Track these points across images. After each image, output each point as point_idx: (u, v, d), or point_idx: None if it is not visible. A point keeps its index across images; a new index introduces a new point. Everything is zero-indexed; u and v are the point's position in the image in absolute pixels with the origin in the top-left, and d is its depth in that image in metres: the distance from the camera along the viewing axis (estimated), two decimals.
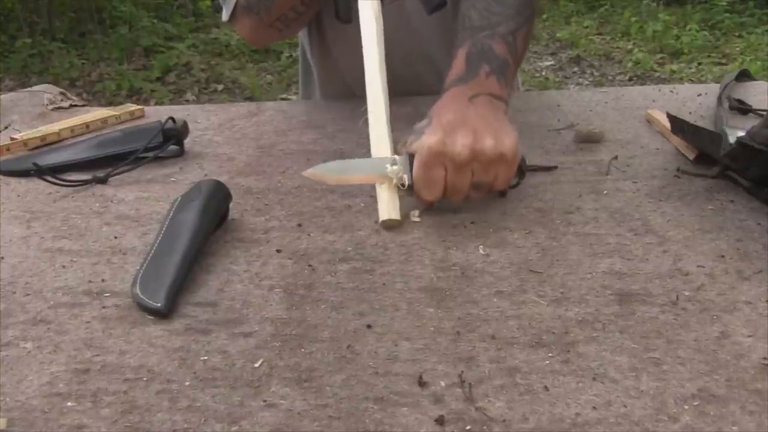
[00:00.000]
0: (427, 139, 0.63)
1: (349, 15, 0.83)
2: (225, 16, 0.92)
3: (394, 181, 0.65)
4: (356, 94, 1.04)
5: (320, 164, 0.70)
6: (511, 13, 0.73)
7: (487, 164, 0.62)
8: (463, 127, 0.63)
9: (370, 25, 0.75)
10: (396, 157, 0.67)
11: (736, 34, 5.11)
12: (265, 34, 0.92)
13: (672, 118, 0.79)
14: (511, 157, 0.63)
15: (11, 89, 2.97)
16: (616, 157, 0.79)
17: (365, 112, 0.72)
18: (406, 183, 0.65)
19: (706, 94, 1.02)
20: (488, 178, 0.64)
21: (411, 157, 0.65)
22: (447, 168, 0.63)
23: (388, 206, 0.65)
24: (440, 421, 0.41)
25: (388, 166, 0.66)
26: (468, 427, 0.41)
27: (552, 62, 4.84)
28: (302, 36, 1.10)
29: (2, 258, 0.62)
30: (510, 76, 0.72)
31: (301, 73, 1.18)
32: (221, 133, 0.93)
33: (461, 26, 0.74)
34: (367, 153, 0.79)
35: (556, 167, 0.76)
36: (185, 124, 0.86)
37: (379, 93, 0.72)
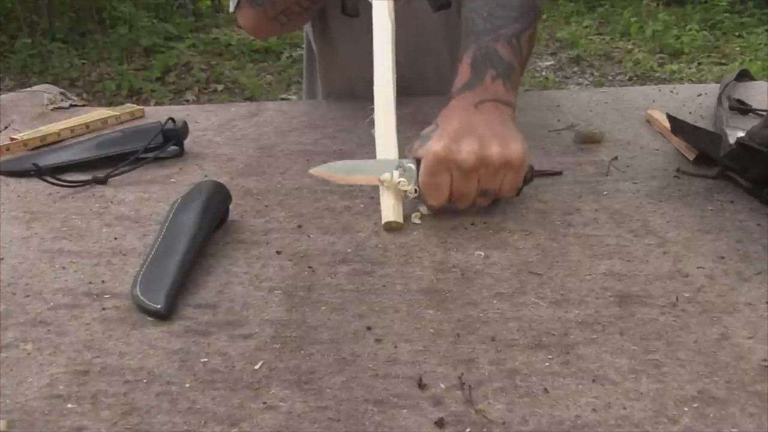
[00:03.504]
0: (433, 145, 0.63)
1: (356, 9, 0.83)
2: (231, 6, 0.92)
3: (400, 186, 0.65)
4: (358, 90, 1.04)
5: (327, 163, 0.70)
6: (514, 16, 0.73)
7: (493, 171, 0.62)
8: (470, 133, 0.63)
9: (384, 24, 0.75)
10: (402, 161, 0.67)
11: (736, 34, 5.11)
12: (267, 26, 0.92)
13: (672, 119, 0.79)
14: (518, 164, 0.63)
15: (11, 89, 2.97)
16: (616, 158, 0.79)
17: (371, 111, 0.72)
18: (412, 189, 0.65)
19: (706, 94, 1.02)
20: (495, 185, 0.64)
21: (417, 162, 0.65)
22: (453, 174, 0.63)
23: (391, 208, 0.65)
24: (440, 423, 0.41)
25: (395, 171, 0.66)
26: (468, 430, 0.41)
27: (552, 62, 4.84)
28: (308, 29, 1.10)
29: (2, 259, 0.62)
30: (516, 80, 0.71)
31: (306, 68, 1.18)
32: (221, 133, 0.93)
33: (465, 31, 0.74)
34: (368, 153, 0.79)
35: (561, 172, 0.75)
36: (185, 125, 0.86)
37: (389, 95, 0.71)
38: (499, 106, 0.67)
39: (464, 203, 0.65)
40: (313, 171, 0.69)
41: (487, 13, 0.73)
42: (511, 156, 0.62)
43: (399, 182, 0.65)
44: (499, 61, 0.70)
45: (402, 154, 0.69)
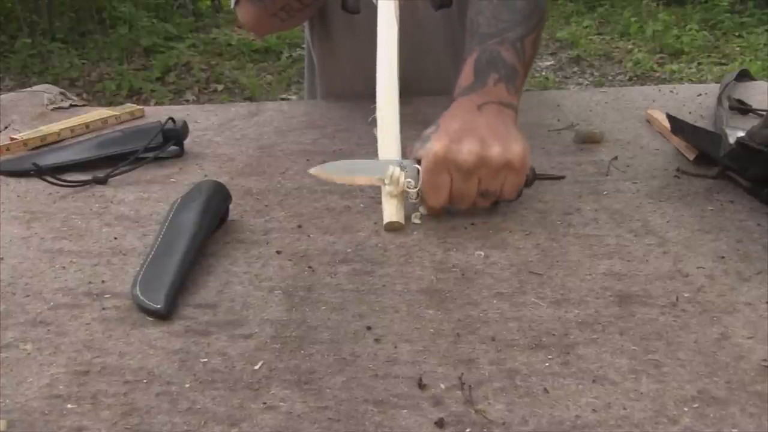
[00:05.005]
0: (433, 145, 0.63)
1: (357, 6, 0.83)
2: (231, 2, 0.93)
3: (400, 186, 0.65)
4: (358, 88, 1.04)
5: (327, 163, 0.69)
6: (519, 19, 0.72)
7: (494, 171, 0.62)
8: (470, 134, 0.62)
9: (389, 25, 0.74)
10: (403, 161, 0.66)
11: (736, 34, 5.12)
12: (267, 23, 0.92)
13: (672, 118, 0.79)
14: (519, 165, 0.62)
15: (11, 89, 2.97)
16: (616, 158, 0.79)
17: (374, 110, 0.72)
18: (412, 189, 0.65)
19: (706, 94, 1.02)
20: (495, 186, 0.63)
21: (418, 162, 0.64)
22: (453, 174, 0.62)
23: (394, 209, 0.65)
24: (440, 423, 0.41)
25: (396, 169, 0.65)
26: (468, 430, 0.41)
27: (552, 62, 4.84)
28: (306, 31, 1.10)
29: (2, 259, 0.62)
30: (519, 83, 0.71)
31: (307, 68, 1.18)
32: (221, 133, 0.93)
33: (469, 32, 0.73)
34: (368, 152, 0.79)
35: (563, 177, 0.75)
36: (185, 125, 0.86)
37: (392, 95, 0.71)
38: (501, 109, 0.67)
39: (464, 204, 0.65)
40: (312, 171, 0.69)
41: (491, 15, 0.72)
42: (512, 157, 0.62)
43: (405, 183, 0.65)
44: (502, 64, 0.69)
45: (403, 156, 0.68)
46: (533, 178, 0.67)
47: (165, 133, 0.83)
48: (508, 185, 0.64)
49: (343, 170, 0.68)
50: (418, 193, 0.65)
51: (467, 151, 0.61)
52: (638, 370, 0.45)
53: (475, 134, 0.62)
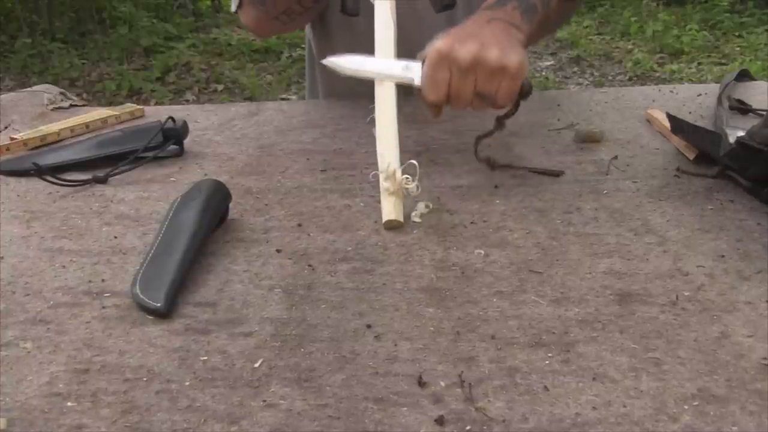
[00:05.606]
0: (437, 43, 0.68)
1: (356, 8, 0.83)
2: (233, 6, 0.93)
3: (397, 181, 0.65)
4: (358, 89, 1.04)
5: (339, 56, 0.74)
6: None
7: (490, 73, 0.66)
8: (474, 38, 0.67)
9: (386, 25, 0.75)
10: (410, 61, 0.71)
11: (736, 34, 5.12)
12: (269, 26, 0.93)
13: (672, 118, 0.79)
14: (514, 71, 0.66)
15: (11, 89, 2.97)
16: (616, 157, 0.79)
17: (372, 110, 0.72)
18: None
19: (706, 94, 1.02)
20: (490, 88, 0.67)
21: (423, 63, 0.69)
22: (452, 71, 0.66)
23: (392, 207, 0.65)
24: (440, 421, 0.41)
25: (392, 164, 0.67)
26: (468, 427, 0.41)
27: (552, 62, 4.84)
28: (308, 31, 1.11)
29: (2, 258, 0.62)
30: (535, 21, 0.76)
31: (308, 68, 1.18)
32: (221, 133, 0.93)
33: None
34: (368, 151, 0.79)
35: (563, 173, 0.75)
36: (185, 124, 0.86)
37: (391, 95, 0.72)
38: (509, 26, 0.72)
39: (461, 103, 0.68)
40: (325, 60, 0.74)
41: None
42: (509, 62, 0.66)
43: (402, 180, 0.65)
44: None
45: (402, 155, 0.69)
46: (529, 89, 0.70)
47: (165, 132, 0.83)
48: (503, 90, 0.67)
49: (354, 63, 0.73)
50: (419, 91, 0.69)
51: (467, 50, 0.66)
52: (638, 368, 0.45)
53: (478, 39, 0.67)
